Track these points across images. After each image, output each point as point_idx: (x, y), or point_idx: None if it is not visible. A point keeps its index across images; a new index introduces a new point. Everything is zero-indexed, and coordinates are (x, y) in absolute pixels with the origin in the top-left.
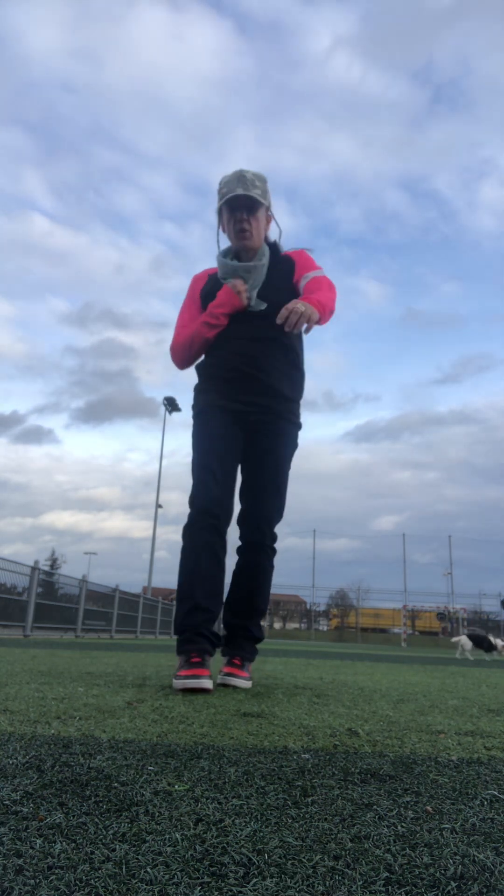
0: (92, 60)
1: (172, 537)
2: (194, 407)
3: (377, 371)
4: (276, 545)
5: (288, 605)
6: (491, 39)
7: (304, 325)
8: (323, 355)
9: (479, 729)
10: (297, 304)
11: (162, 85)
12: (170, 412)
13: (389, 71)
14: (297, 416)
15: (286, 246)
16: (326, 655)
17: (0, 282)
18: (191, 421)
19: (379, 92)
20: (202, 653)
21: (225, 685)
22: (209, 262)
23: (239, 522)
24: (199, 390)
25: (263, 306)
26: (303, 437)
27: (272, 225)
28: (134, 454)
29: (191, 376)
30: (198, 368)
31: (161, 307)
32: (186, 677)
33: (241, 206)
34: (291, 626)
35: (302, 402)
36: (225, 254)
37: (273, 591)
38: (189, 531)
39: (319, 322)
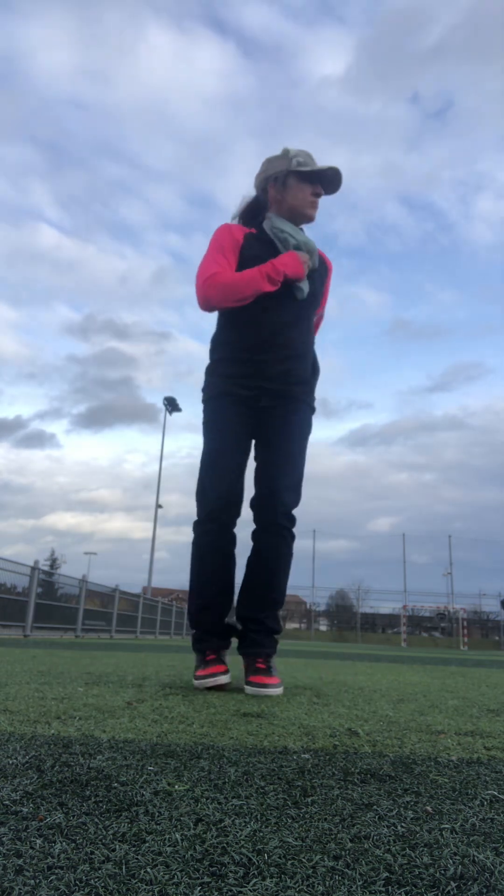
0: (100, 79)
1: (173, 538)
2: (205, 391)
3: (371, 378)
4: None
5: (288, 605)
6: (475, 74)
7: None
8: (321, 362)
9: (479, 729)
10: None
11: (167, 103)
12: (170, 412)
13: (385, 92)
14: (312, 398)
15: None
16: (326, 655)
17: (8, 289)
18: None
19: (375, 112)
20: (216, 650)
21: (257, 696)
22: None
23: (253, 506)
24: (211, 372)
25: (306, 291)
26: None
27: None
28: (134, 456)
29: (190, 376)
30: (214, 343)
31: (164, 316)
32: (204, 676)
33: (332, 180)
34: (291, 626)
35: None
36: (278, 219)
37: None
38: (198, 529)
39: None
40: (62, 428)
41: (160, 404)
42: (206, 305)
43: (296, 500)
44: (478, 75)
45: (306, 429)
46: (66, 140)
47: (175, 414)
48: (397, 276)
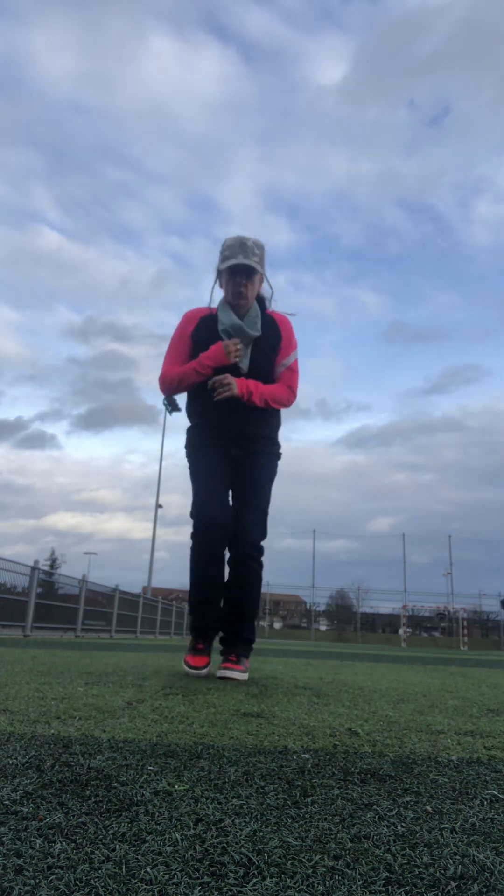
0: (102, 84)
1: (172, 538)
2: (187, 447)
3: (370, 380)
4: (277, 545)
5: (288, 605)
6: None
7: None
8: (321, 364)
9: (479, 729)
10: (228, 379)
11: (169, 107)
12: (170, 412)
13: (383, 98)
14: (276, 447)
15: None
16: (326, 655)
17: (9, 291)
18: (185, 451)
19: (374, 117)
20: (206, 639)
21: (224, 678)
22: (210, 273)
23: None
24: (189, 433)
25: (244, 366)
26: (299, 440)
27: (265, 285)
28: (134, 456)
29: None
30: (187, 411)
31: (164, 318)
32: (192, 667)
33: (241, 272)
34: (291, 626)
35: (297, 412)
36: (222, 308)
37: (273, 591)
38: (194, 539)
39: (244, 399)
40: (62, 429)
41: (160, 405)
42: (165, 394)
43: (261, 534)
44: (474, 83)
45: (271, 474)
46: (69, 144)
47: (175, 414)
48: (396, 278)
